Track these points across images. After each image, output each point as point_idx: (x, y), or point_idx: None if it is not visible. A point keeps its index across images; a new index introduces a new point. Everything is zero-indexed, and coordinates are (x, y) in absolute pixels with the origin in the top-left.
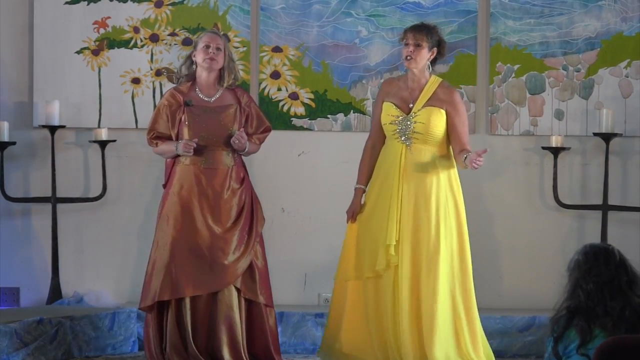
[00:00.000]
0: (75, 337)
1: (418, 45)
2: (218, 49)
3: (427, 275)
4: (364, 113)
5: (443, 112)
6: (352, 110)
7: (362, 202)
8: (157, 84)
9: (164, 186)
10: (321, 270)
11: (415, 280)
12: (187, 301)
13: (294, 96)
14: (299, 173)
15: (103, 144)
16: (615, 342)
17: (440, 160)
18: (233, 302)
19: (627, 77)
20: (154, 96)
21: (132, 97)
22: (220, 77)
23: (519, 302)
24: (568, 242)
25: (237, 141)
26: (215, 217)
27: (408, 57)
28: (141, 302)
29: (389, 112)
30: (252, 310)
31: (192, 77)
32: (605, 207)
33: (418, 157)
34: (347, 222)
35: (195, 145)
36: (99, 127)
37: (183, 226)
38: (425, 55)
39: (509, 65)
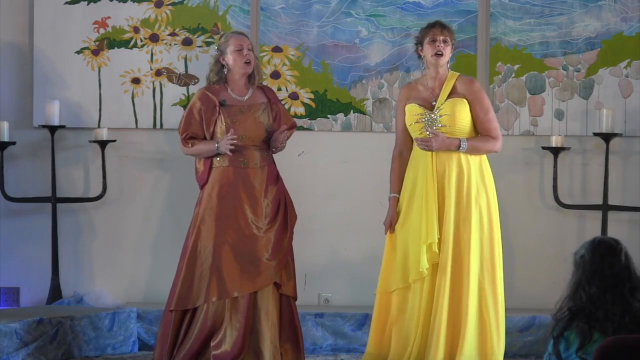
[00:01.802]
0: (75, 337)
1: (445, 41)
2: (249, 49)
3: (462, 271)
4: (364, 113)
5: (466, 101)
6: (352, 110)
7: (398, 211)
8: (157, 84)
9: (201, 188)
10: (321, 270)
11: (457, 277)
12: (227, 302)
13: (294, 96)
14: (299, 173)
15: (103, 144)
16: (615, 342)
17: None
18: (274, 299)
19: (627, 77)
20: (154, 96)
21: (132, 97)
22: (249, 76)
23: (519, 302)
24: (568, 242)
25: (282, 138)
26: (257, 216)
27: (439, 53)
28: (178, 304)
29: (413, 112)
30: (282, 304)
31: (223, 82)
32: (605, 207)
33: (448, 151)
34: (385, 233)
35: (236, 140)
36: (99, 127)
37: (226, 227)
38: (450, 51)
39: (509, 65)
